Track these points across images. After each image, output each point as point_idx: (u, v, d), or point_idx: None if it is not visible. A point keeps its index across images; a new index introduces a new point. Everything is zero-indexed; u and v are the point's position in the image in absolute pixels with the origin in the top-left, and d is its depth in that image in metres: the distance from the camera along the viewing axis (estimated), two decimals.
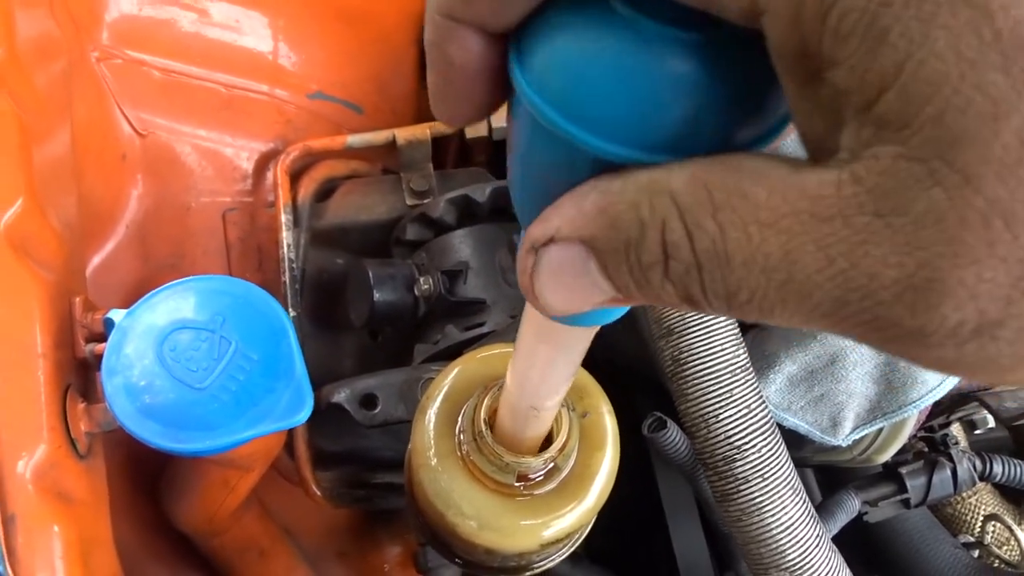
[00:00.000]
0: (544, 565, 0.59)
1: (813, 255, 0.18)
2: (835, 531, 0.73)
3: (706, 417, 0.61)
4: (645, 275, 0.21)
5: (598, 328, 0.34)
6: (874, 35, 0.16)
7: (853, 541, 0.73)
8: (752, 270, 0.19)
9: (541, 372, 0.39)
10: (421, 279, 0.80)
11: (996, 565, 0.82)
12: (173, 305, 0.52)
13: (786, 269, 0.19)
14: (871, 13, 0.16)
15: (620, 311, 0.31)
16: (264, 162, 0.90)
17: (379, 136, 0.86)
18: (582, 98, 0.22)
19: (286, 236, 0.82)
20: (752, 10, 0.18)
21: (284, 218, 0.82)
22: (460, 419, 0.51)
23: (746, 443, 0.59)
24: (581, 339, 0.36)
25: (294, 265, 0.83)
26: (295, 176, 0.86)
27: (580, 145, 0.22)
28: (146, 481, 0.79)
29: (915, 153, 0.16)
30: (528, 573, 0.60)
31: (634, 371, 0.80)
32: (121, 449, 0.64)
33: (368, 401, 0.77)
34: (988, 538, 0.84)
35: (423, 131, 0.86)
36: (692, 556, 0.82)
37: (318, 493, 0.77)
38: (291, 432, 0.75)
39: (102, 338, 0.57)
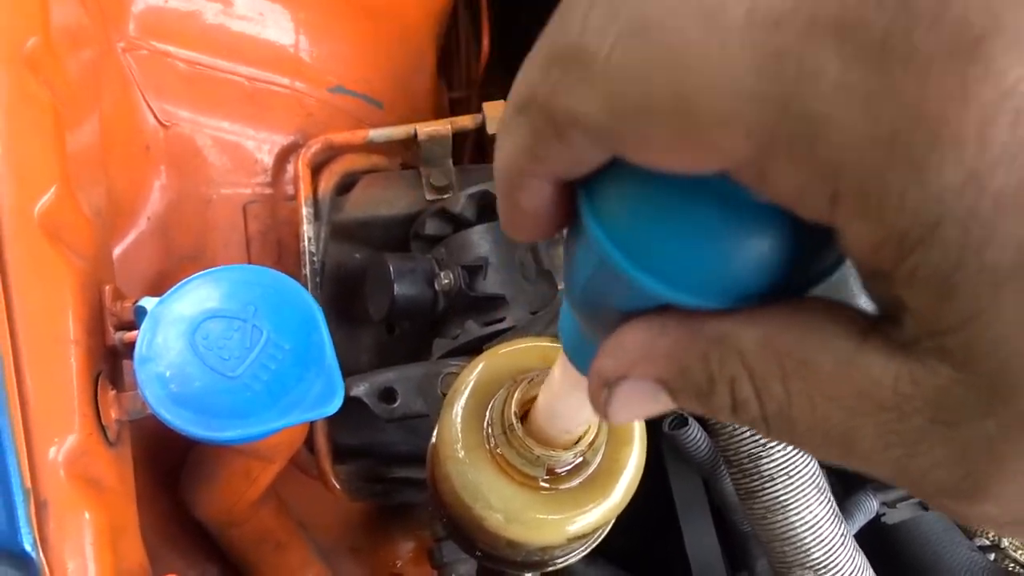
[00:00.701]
0: (565, 561, 0.59)
1: (871, 437, 0.20)
2: (853, 532, 0.73)
3: None
4: (714, 412, 0.23)
5: None
6: (945, 291, 0.18)
7: (870, 542, 0.73)
8: (815, 435, 0.21)
9: (574, 412, 0.42)
10: (441, 274, 0.80)
11: (1012, 568, 0.82)
12: (205, 294, 0.53)
13: (846, 442, 0.21)
14: (944, 271, 0.17)
15: None
16: (284, 155, 0.90)
17: (400, 131, 0.86)
18: (656, 251, 0.22)
19: (307, 229, 0.82)
20: (829, 224, 0.19)
21: (305, 211, 0.83)
22: (488, 412, 0.52)
23: (770, 441, 0.59)
24: None
25: (314, 258, 0.83)
26: (316, 169, 0.86)
27: (650, 292, 0.23)
28: (163, 471, 0.79)
29: (973, 386, 0.18)
30: (548, 568, 0.60)
31: None
32: (140, 439, 0.64)
33: (387, 395, 0.77)
34: (1004, 541, 0.84)
35: (444, 127, 0.86)
36: (704, 555, 0.83)
37: (337, 486, 0.77)
38: (311, 425, 0.76)
39: (131, 326, 0.57)
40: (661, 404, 0.25)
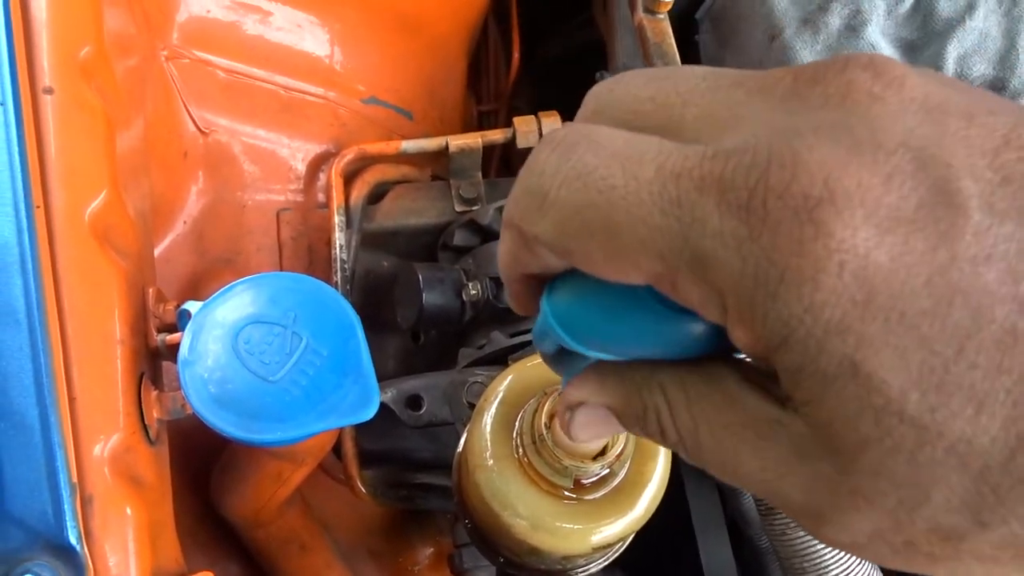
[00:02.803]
0: (586, 570, 0.60)
1: (751, 461, 0.26)
2: None
3: None
4: (650, 436, 0.30)
5: None
6: (794, 382, 0.24)
7: None
8: (715, 457, 0.27)
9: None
10: (469, 284, 0.82)
11: None
12: (247, 299, 0.54)
13: (735, 465, 0.27)
14: (793, 369, 0.24)
15: None
16: (317, 164, 0.92)
17: (432, 143, 0.87)
18: (588, 333, 0.30)
19: (338, 237, 0.84)
20: (722, 324, 0.26)
21: (337, 219, 0.84)
22: (518, 423, 0.53)
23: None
24: None
25: (346, 266, 0.84)
26: (348, 179, 0.88)
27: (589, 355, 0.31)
28: (192, 472, 0.80)
29: (817, 439, 0.24)
30: None
31: None
32: (172, 440, 0.66)
33: (414, 402, 0.78)
34: None
35: (475, 140, 0.88)
36: (720, 570, 0.83)
37: (364, 491, 0.78)
38: (339, 431, 0.77)
39: (172, 328, 0.59)
40: (611, 426, 0.31)
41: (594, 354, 0.30)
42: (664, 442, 0.29)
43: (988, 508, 0.23)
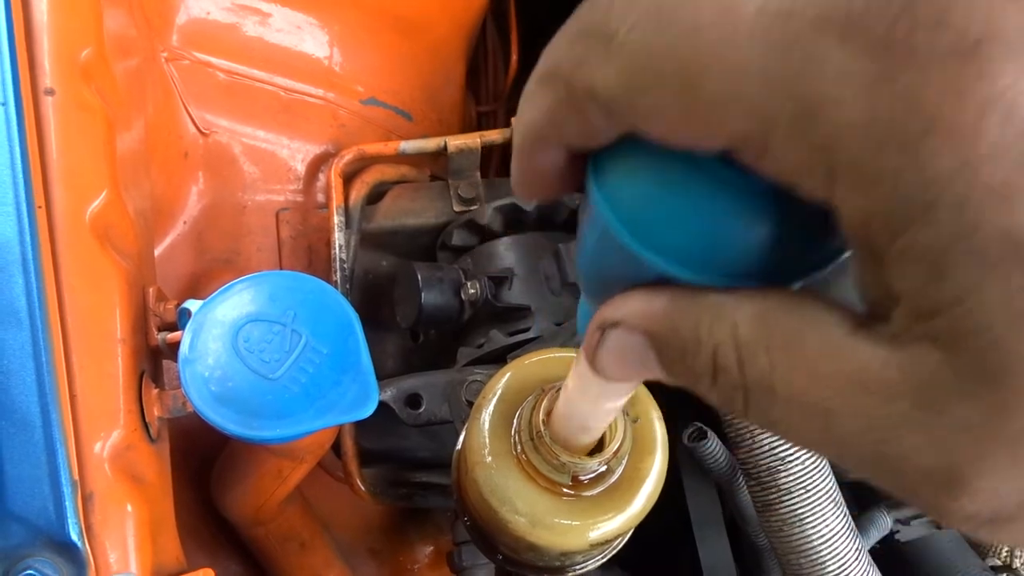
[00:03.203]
0: (584, 567, 0.60)
1: (851, 419, 0.21)
2: (867, 548, 0.74)
3: (751, 428, 0.62)
4: (695, 378, 0.24)
5: None
6: (935, 271, 0.19)
7: (883, 559, 0.74)
8: (793, 409, 0.22)
9: (592, 405, 0.43)
10: (468, 283, 0.82)
11: None
12: (247, 298, 0.54)
13: (824, 422, 0.21)
14: (935, 251, 0.18)
15: None
16: (316, 164, 0.92)
17: (431, 143, 0.88)
18: (658, 227, 0.24)
19: (338, 237, 0.84)
20: (826, 202, 0.21)
21: (337, 219, 0.85)
22: (516, 420, 0.53)
23: (790, 455, 0.60)
24: (633, 386, 0.39)
25: (345, 265, 0.85)
26: (347, 179, 0.88)
27: (648, 264, 0.24)
28: (192, 469, 0.81)
29: (958, 370, 0.19)
30: (567, 574, 0.61)
31: None
32: (173, 438, 0.67)
33: (413, 400, 0.79)
34: (1017, 562, 0.84)
35: (474, 140, 0.88)
36: (719, 568, 0.83)
37: (363, 489, 0.78)
38: (339, 428, 0.77)
39: (173, 327, 0.59)
40: (646, 367, 0.25)
41: (649, 257, 0.24)
42: (716, 386, 0.23)
43: None
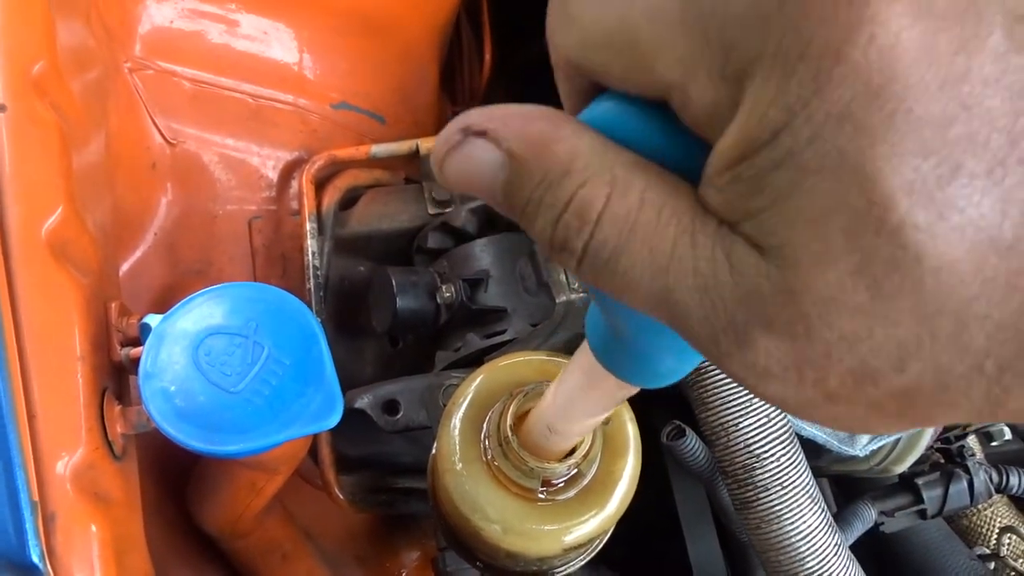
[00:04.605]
0: (564, 570, 0.60)
1: (659, 278, 0.23)
2: (851, 541, 0.74)
3: (726, 426, 0.62)
4: (534, 213, 0.24)
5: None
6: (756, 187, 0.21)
7: (869, 551, 0.73)
8: (626, 260, 0.23)
9: (581, 409, 0.42)
10: (443, 287, 0.81)
11: None
12: (207, 311, 0.54)
13: (640, 275, 0.23)
14: (756, 170, 0.21)
15: (676, 378, 0.33)
16: (288, 171, 0.91)
17: (403, 146, 0.87)
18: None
19: (311, 244, 0.84)
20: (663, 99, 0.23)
21: (309, 226, 0.84)
22: (485, 425, 0.52)
23: (765, 452, 0.60)
24: (625, 391, 0.38)
25: (318, 272, 0.84)
26: (319, 185, 0.87)
27: None
28: (170, 484, 0.80)
29: (767, 252, 0.21)
30: None
31: None
32: (147, 452, 0.66)
33: (390, 407, 0.78)
34: (1004, 550, 0.84)
35: None
36: (707, 564, 0.83)
37: (341, 497, 0.78)
38: (315, 437, 0.77)
39: (136, 342, 0.58)
40: (491, 188, 0.25)
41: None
42: (547, 232, 0.24)
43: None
